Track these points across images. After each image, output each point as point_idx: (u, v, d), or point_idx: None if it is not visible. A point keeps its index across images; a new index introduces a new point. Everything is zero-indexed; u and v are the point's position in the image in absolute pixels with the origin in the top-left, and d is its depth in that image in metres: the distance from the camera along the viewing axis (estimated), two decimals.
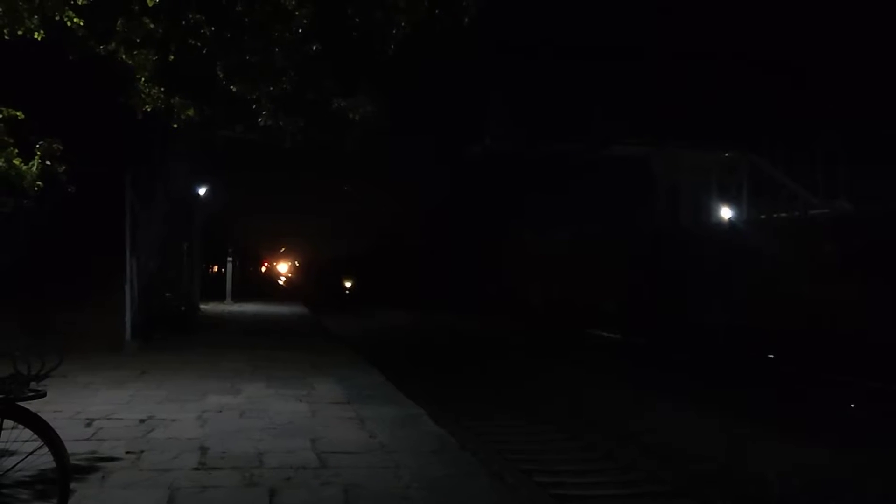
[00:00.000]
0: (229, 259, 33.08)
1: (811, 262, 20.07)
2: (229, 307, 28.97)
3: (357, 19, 8.41)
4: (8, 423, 4.33)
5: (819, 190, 27.60)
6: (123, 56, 7.91)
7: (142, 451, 6.67)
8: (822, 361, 15.95)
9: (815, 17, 25.38)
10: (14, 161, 8.21)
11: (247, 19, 8.23)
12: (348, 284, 59.28)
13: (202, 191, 26.30)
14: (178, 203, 22.02)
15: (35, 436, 4.34)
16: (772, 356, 18.02)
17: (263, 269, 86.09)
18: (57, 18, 7.45)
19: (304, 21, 8.22)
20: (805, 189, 27.66)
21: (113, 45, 7.86)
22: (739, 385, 14.71)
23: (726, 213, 29.37)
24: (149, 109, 8.49)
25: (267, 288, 50.27)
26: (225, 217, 35.92)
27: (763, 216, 28.07)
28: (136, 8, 7.63)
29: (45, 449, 4.33)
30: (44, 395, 4.66)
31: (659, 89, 27.19)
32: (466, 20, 8.40)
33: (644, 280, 26.96)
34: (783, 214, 27.07)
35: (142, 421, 8.01)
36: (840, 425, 10.88)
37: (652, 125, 27.79)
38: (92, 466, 6.11)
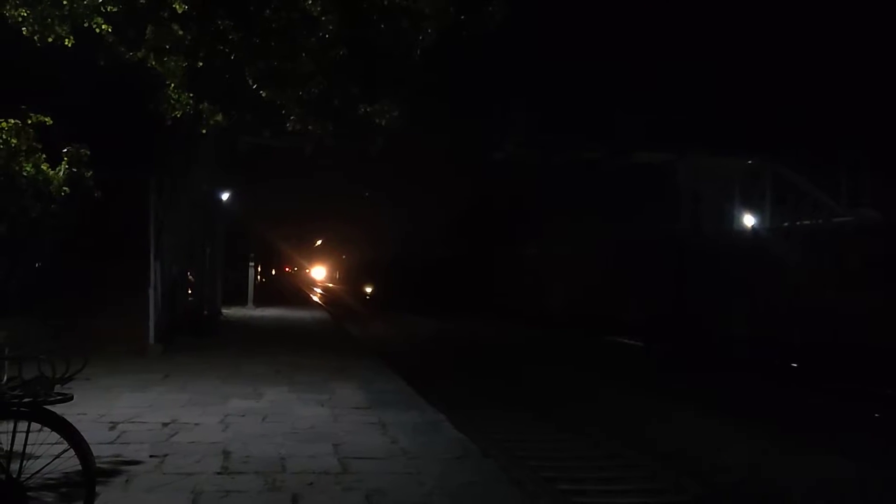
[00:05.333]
0: (251, 264, 33.25)
1: (836, 271, 19.86)
2: (251, 312, 29.06)
3: (383, 25, 8.43)
4: (35, 425, 4.34)
5: (843, 198, 27.38)
6: (153, 63, 8.00)
7: (165, 455, 6.71)
8: (848, 372, 15.76)
9: (840, 26, 25.22)
10: (42, 166, 8.33)
11: (274, 25, 8.28)
12: (369, 290, 59.38)
13: (225, 195, 26.44)
14: (201, 207, 22.15)
15: (61, 439, 4.35)
16: (795, 365, 17.82)
17: (286, 272, 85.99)
18: (86, 25, 7.54)
19: (330, 27, 8.26)
20: (829, 197, 27.45)
21: (142, 51, 7.95)
22: (763, 395, 14.55)
23: (749, 220, 29.17)
24: (178, 115, 8.57)
25: (289, 293, 50.37)
26: (247, 221, 36.13)
27: (786, 224, 27.86)
28: (166, 15, 7.71)
29: (71, 452, 4.34)
30: (70, 398, 4.69)
31: (682, 97, 27.08)
32: (492, 26, 8.41)
33: (666, 287, 26.79)
34: (807, 222, 26.85)
35: (165, 424, 8.05)
36: (868, 438, 10.72)
37: (675, 133, 27.68)
38: (116, 470, 6.15)
